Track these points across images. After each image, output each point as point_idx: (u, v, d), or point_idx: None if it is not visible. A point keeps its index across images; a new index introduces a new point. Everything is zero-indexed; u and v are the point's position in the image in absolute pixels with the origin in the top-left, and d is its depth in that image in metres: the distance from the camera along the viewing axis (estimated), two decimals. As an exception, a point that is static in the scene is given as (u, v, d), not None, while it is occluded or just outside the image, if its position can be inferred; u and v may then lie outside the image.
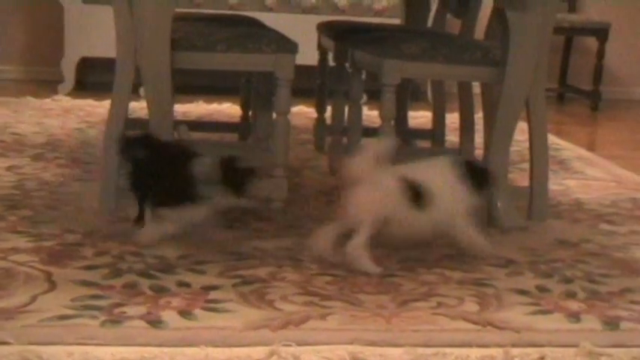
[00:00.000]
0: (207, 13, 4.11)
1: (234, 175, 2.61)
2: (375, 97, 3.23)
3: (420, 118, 4.97)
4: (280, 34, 3.10)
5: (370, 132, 3.62)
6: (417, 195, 2.55)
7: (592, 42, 6.21)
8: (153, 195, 2.65)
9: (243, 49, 2.97)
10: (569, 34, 6.27)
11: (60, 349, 1.93)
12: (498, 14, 3.10)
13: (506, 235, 2.97)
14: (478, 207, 2.71)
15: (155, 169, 2.65)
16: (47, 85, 5.68)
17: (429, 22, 4.22)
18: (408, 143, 4.09)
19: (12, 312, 2.11)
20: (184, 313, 2.16)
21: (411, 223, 2.56)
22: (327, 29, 3.88)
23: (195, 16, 3.73)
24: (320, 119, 4.12)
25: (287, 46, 2.98)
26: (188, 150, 2.69)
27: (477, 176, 2.69)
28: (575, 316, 2.29)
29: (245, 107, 4.04)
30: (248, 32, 3.04)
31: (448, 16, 4.05)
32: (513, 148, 3.35)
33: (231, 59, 2.99)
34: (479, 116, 3.68)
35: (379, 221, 2.52)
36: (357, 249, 2.50)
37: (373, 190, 2.52)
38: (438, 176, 2.63)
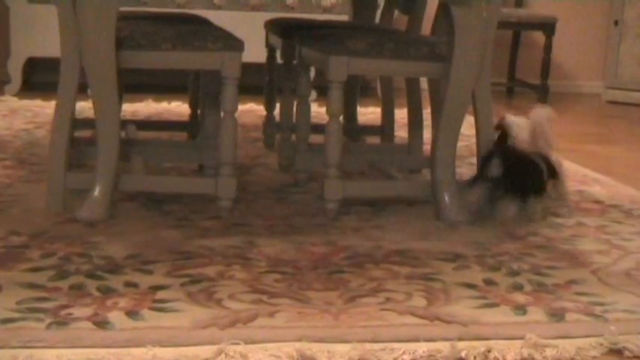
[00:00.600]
0: (153, 11, 4.08)
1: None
2: (324, 93, 3.24)
3: (369, 114, 4.99)
4: (227, 32, 3.10)
5: (319, 129, 3.63)
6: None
7: (539, 36, 6.27)
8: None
9: (189, 47, 2.96)
10: (517, 29, 6.33)
11: (4, 352, 1.90)
12: (444, 10, 3.12)
13: (453, 230, 2.99)
14: None
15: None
16: (-6, 86, 5.62)
17: (377, 19, 4.23)
18: (357, 139, 4.10)
19: (-44, 316, 2.08)
20: (131, 314, 2.15)
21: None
22: (274, 26, 3.88)
23: (142, 14, 3.71)
24: (269, 117, 4.12)
25: (233, 44, 2.98)
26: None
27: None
28: (521, 309, 2.31)
29: (194, 106, 4.03)
30: (194, 30, 3.02)
31: (396, 12, 4.06)
32: (462, 143, 3.38)
33: (177, 58, 2.97)
34: (428, 111, 3.70)
35: None
36: None
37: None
38: None
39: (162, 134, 4.15)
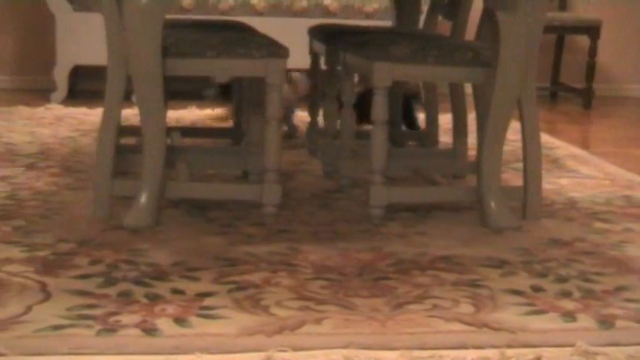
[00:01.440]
0: (197, 18, 4.10)
1: None
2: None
3: (413, 119, 4.97)
4: (271, 39, 3.10)
5: (363, 135, 3.63)
6: None
7: (584, 40, 6.22)
8: None
9: (233, 54, 2.97)
10: (561, 33, 6.28)
11: (54, 359, 1.92)
12: (488, 15, 3.10)
13: (500, 236, 2.97)
14: None
15: None
16: (40, 94, 5.68)
17: (420, 24, 4.22)
18: (401, 145, 4.09)
19: (6, 323, 2.10)
20: (179, 321, 2.16)
21: None
22: (318, 33, 3.88)
23: (186, 22, 3.73)
24: (313, 123, 4.13)
25: (278, 51, 2.98)
26: None
27: None
28: (570, 316, 2.29)
29: (237, 112, 4.04)
30: (238, 38, 3.03)
31: (439, 18, 4.05)
32: (507, 148, 3.36)
33: (222, 65, 2.98)
34: (472, 117, 3.68)
35: None
36: None
37: None
38: None
39: (206, 141, 4.17)
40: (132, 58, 2.88)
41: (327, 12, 5.79)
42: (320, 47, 3.88)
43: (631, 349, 2.09)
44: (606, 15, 6.32)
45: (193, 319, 2.17)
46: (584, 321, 2.26)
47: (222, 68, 3.00)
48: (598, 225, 3.14)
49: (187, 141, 3.94)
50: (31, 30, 5.97)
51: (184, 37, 3.00)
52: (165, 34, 2.93)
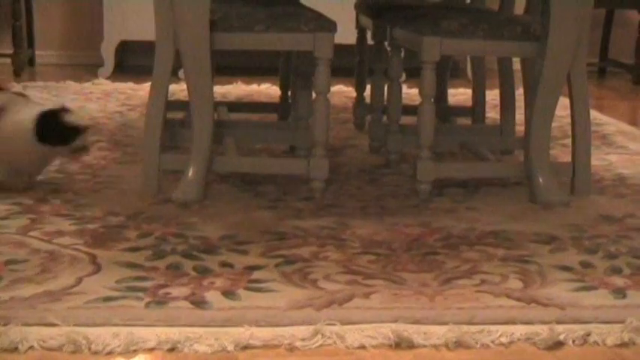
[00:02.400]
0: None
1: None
2: (414, 75, 3.22)
3: (459, 95, 4.95)
4: (319, 13, 3.09)
5: (410, 110, 3.62)
6: None
7: (634, 15, 6.14)
8: None
9: (281, 28, 2.97)
10: (610, 7, 6.20)
11: (106, 330, 1.94)
12: (538, -11, 3.07)
13: (548, 211, 2.95)
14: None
15: None
16: (87, 69, 5.72)
17: (468, -1, 4.18)
18: (448, 121, 4.07)
19: (58, 294, 2.13)
20: (228, 294, 2.17)
21: None
22: (365, 7, 3.86)
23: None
24: (359, 98, 4.12)
25: (326, 25, 2.97)
26: None
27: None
28: (620, 292, 2.27)
29: (284, 87, 4.04)
30: (286, 12, 3.03)
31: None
32: (555, 124, 3.33)
33: (270, 39, 2.98)
34: (519, 92, 3.65)
35: None
36: None
37: None
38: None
39: (253, 116, 4.18)
40: (180, 33, 2.89)
41: (373, -13, 5.74)
42: (367, 22, 3.86)
43: (683, 326, 2.06)
44: (657, -11, 6.22)
45: (242, 292, 2.18)
46: (635, 297, 2.24)
47: (271, 42, 3.00)
48: (648, 201, 3.11)
49: (234, 116, 3.95)
50: (78, 5, 6.01)
51: (232, 11, 3.00)
52: (213, 8, 2.93)
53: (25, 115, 2.90)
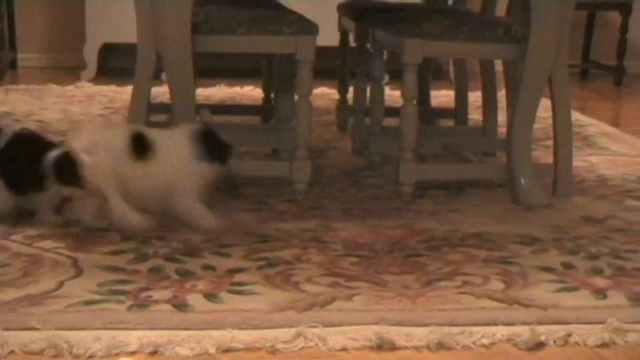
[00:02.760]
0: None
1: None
2: (397, 77, 3.22)
3: (442, 97, 4.96)
4: (301, 16, 3.10)
5: (392, 112, 3.62)
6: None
7: (615, 16, 6.16)
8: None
9: (263, 31, 2.97)
10: (592, 9, 6.22)
11: (87, 333, 1.94)
12: (519, -9, 3.08)
13: (530, 213, 2.96)
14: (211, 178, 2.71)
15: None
16: (70, 72, 5.70)
17: (450, 1, 4.19)
18: (431, 123, 4.08)
19: (39, 298, 2.12)
20: (210, 297, 2.17)
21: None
22: (347, 10, 3.87)
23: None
24: (342, 100, 4.12)
25: (308, 27, 2.98)
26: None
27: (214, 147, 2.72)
28: (601, 293, 2.28)
29: (267, 90, 4.04)
30: (268, 14, 3.03)
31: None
32: (537, 125, 3.34)
33: (252, 42, 2.98)
34: (502, 94, 3.67)
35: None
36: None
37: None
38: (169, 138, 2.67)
39: (236, 118, 4.17)
40: (161, 36, 2.89)
41: (356, -11, 5.74)
42: (349, 24, 3.87)
43: (663, 327, 2.08)
44: (638, -9, 6.24)
45: (224, 295, 2.18)
46: (615, 298, 2.25)
47: (252, 45, 3.00)
48: (629, 202, 3.12)
49: (217, 118, 3.94)
50: (61, 8, 5.99)
51: (214, 13, 3.00)
52: (194, 11, 2.93)
53: (176, 137, 2.69)
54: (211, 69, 5.49)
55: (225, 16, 2.98)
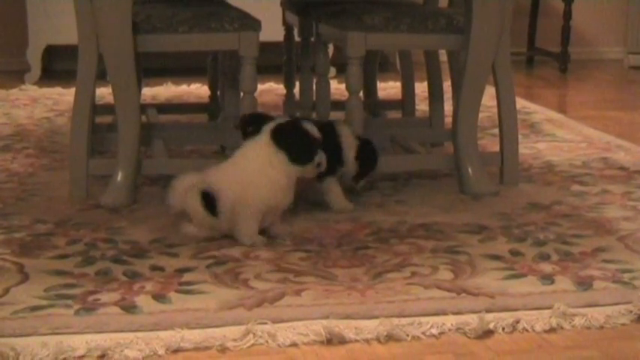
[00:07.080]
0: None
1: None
2: (343, 70, 3.22)
3: (389, 88, 4.97)
4: (243, 12, 3.09)
5: (339, 105, 3.62)
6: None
7: (558, 3, 6.21)
8: None
9: (205, 28, 2.95)
10: (535, -3, 6.27)
11: (34, 339, 1.92)
12: (460, -19, 3.09)
13: (478, 202, 2.97)
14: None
15: None
16: (13, 75, 5.63)
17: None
18: (378, 115, 4.09)
19: (-15, 306, 2.10)
20: (158, 297, 2.16)
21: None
22: (291, 4, 3.86)
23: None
24: (289, 95, 4.11)
25: (250, 23, 2.97)
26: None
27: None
28: (548, 278, 2.30)
29: (213, 87, 4.02)
30: (210, 11, 3.02)
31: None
32: (483, 114, 3.36)
33: (195, 40, 2.97)
34: (448, 84, 3.68)
35: None
36: None
37: None
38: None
39: (183, 117, 4.15)
40: (102, 36, 2.86)
41: (300, -17, 5.74)
42: (293, 19, 3.86)
43: (609, 310, 2.10)
44: (580, -22, 6.31)
45: (173, 295, 2.17)
46: (563, 283, 2.27)
47: (195, 43, 2.98)
48: (576, 188, 3.15)
49: (164, 117, 3.92)
50: (1, 11, 5.91)
51: (155, 12, 2.98)
52: (135, 10, 2.91)
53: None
54: (158, 68, 5.46)
55: (167, 15, 2.96)
